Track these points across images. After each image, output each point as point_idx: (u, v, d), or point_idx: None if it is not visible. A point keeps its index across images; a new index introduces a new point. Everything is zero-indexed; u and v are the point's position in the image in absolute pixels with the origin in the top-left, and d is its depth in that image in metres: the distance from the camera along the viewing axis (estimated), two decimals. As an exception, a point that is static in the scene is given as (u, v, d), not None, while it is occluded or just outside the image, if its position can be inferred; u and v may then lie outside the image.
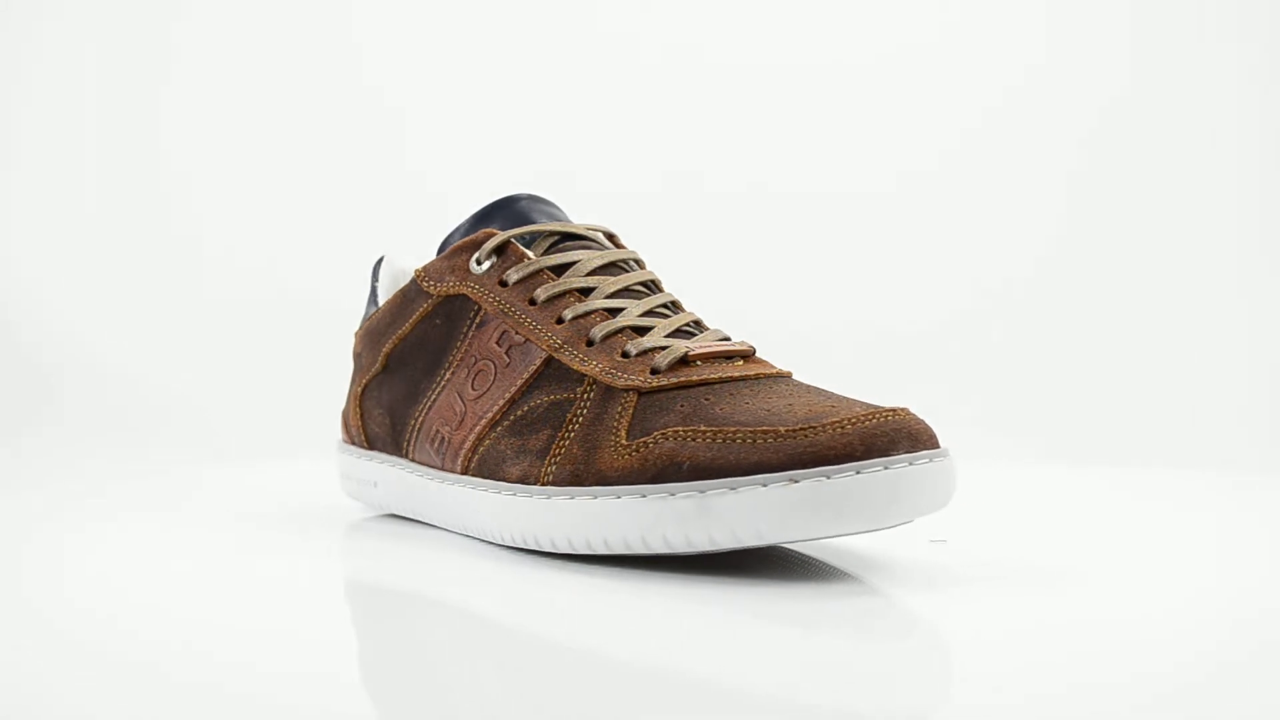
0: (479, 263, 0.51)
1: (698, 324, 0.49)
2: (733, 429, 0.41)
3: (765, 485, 0.39)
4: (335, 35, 1.07)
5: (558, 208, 0.54)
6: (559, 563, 0.45)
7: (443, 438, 0.50)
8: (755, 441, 0.40)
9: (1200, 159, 1.07)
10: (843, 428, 0.39)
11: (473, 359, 0.50)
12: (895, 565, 0.44)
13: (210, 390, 0.91)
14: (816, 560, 0.45)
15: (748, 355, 0.47)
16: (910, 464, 0.39)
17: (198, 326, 0.98)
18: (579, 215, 0.57)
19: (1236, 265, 1.04)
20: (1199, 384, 0.95)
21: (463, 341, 0.51)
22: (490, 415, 0.48)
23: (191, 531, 0.54)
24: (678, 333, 0.48)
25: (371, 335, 0.56)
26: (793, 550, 0.47)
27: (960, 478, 0.42)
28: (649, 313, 0.48)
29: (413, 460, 0.53)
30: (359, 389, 0.57)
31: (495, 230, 0.51)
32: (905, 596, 0.41)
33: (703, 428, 0.41)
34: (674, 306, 0.50)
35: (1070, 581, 0.43)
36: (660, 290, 0.51)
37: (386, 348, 0.54)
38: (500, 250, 0.51)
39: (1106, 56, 1.09)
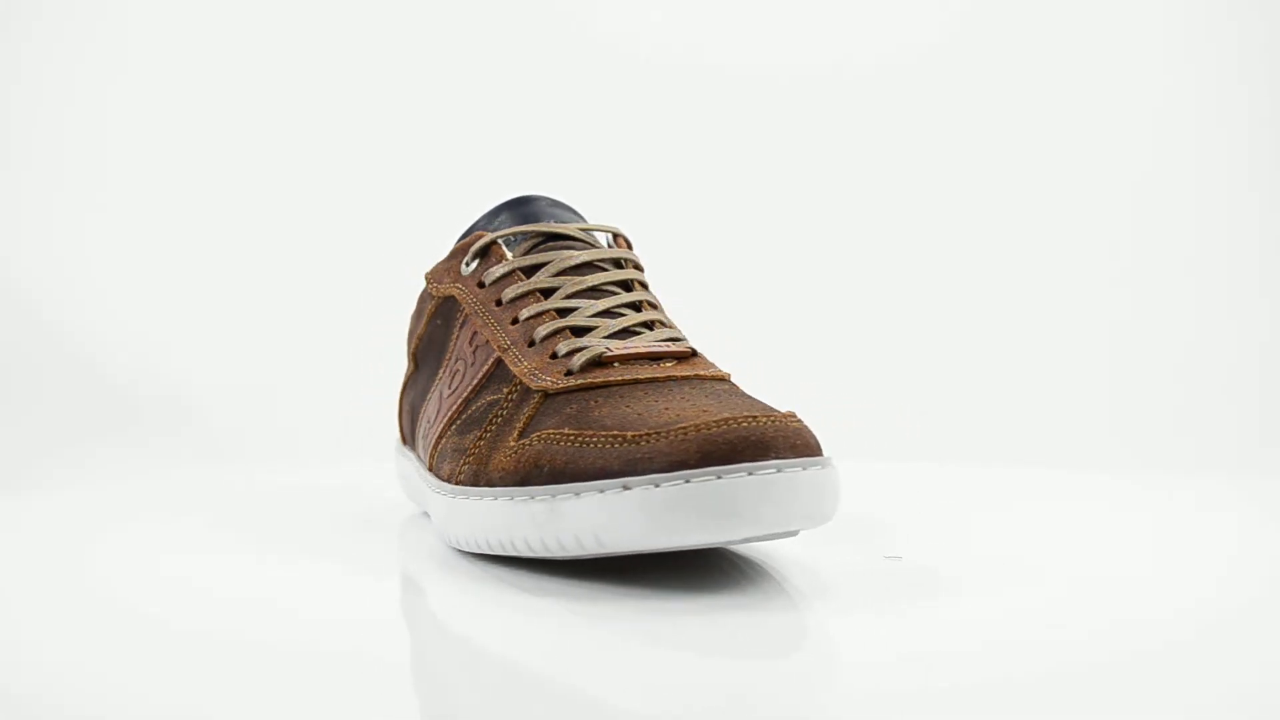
0: (467, 264, 0.51)
1: (651, 325, 0.47)
2: (592, 433, 0.39)
3: (603, 491, 0.37)
4: (383, 36, 1.06)
5: (568, 208, 0.53)
6: (508, 565, 0.44)
7: (426, 434, 0.52)
8: (604, 446, 0.38)
9: (1132, 154, 1.05)
10: (685, 434, 0.37)
11: (454, 359, 0.51)
12: (811, 578, 0.41)
13: (276, 392, 0.93)
14: (730, 568, 0.42)
15: (682, 357, 0.45)
16: (749, 474, 0.36)
17: (261, 329, 0.98)
18: (622, 218, 0.57)
19: (1160, 260, 1.01)
20: (1155, 389, 0.91)
21: (452, 342, 0.52)
22: (450, 414, 0.49)
23: (204, 530, 0.54)
24: (622, 333, 0.46)
25: (408, 336, 0.58)
26: (729, 553, 0.44)
27: (840, 489, 0.38)
28: (604, 313, 0.47)
29: (417, 456, 0.55)
30: (402, 387, 0.59)
31: (485, 232, 0.52)
32: (806, 611, 0.37)
33: (568, 430, 0.40)
34: (639, 307, 0.48)
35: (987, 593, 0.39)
36: (636, 290, 0.49)
37: (411, 348, 0.56)
38: (485, 251, 0.51)
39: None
